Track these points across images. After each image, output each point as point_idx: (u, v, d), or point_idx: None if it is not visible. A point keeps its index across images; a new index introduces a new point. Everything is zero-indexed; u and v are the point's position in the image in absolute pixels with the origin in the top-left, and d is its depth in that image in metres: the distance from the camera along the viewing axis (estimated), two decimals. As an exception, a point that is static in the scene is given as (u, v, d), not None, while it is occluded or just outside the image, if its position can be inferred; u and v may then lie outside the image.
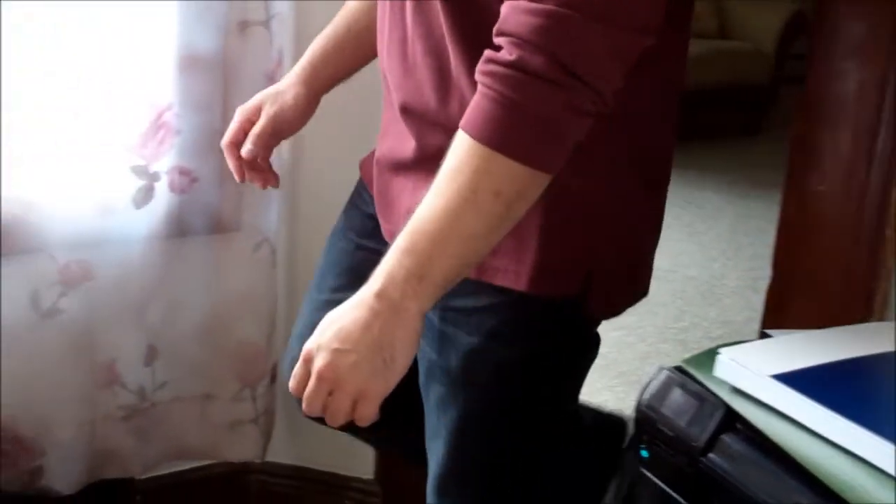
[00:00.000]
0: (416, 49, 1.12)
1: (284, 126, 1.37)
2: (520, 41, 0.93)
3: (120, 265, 1.72)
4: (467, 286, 1.07)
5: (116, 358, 1.76)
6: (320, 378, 0.98)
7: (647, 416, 1.07)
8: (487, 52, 0.95)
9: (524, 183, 0.95)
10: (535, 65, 0.92)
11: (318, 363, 0.98)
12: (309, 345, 1.00)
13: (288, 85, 1.38)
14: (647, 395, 1.08)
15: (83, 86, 1.61)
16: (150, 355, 1.79)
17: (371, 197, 1.32)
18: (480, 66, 0.96)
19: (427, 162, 1.13)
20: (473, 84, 1.01)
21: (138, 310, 1.76)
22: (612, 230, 1.15)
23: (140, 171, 1.69)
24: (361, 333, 0.96)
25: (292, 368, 1.40)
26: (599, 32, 0.92)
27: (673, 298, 3.37)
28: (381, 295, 0.97)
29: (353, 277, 1.30)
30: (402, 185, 1.20)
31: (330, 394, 0.98)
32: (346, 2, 1.40)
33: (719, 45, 5.53)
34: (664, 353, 3.00)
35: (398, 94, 1.17)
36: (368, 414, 0.99)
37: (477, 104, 0.95)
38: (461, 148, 0.95)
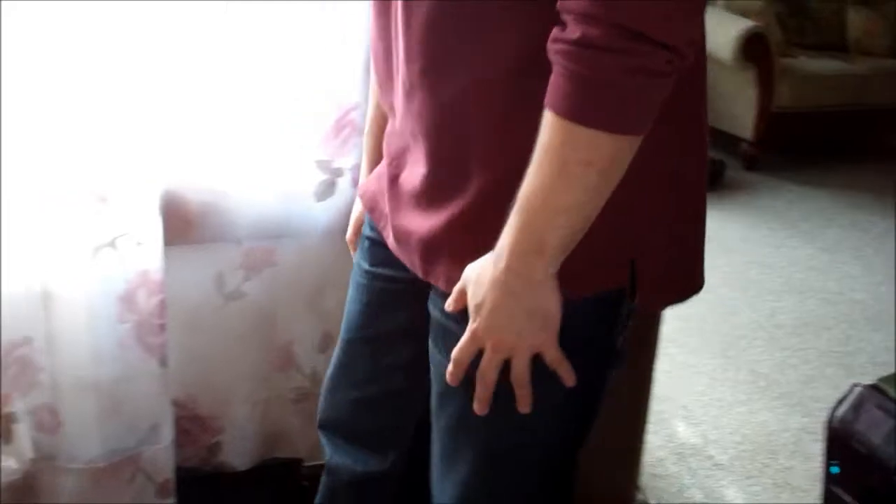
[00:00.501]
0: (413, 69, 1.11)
1: None
2: (579, 16, 0.94)
3: (300, 253, 1.78)
4: None
5: (293, 341, 1.83)
6: (496, 352, 1.06)
7: (838, 432, 1.05)
8: (554, 31, 0.97)
9: (612, 149, 0.97)
10: (597, 37, 0.93)
11: (488, 344, 1.06)
12: (472, 330, 1.07)
13: None
14: (840, 412, 1.06)
15: (276, 83, 1.67)
16: (325, 342, 1.84)
17: (373, 221, 1.31)
18: (549, 45, 0.97)
19: (435, 190, 1.14)
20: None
21: (315, 297, 1.82)
22: (650, 215, 1.12)
23: (324, 166, 1.75)
24: (512, 309, 1.03)
25: (328, 417, 1.43)
26: None
27: (838, 322, 3.25)
28: (509, 270, 1.02)
29: (374, 311, 1.34)
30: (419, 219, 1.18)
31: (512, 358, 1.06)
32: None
33: (892, 65, 5.32)
34: (828, 376, 2.91)
35: (407, 120, 1.16)
36: (554, 356, 1.06)
37: (553, 80, 0.97)
38: (548, 124, 0.97)
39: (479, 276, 1.06)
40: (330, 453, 1.44)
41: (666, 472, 2.40)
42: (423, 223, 1.15)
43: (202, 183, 1.69)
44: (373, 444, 1.31)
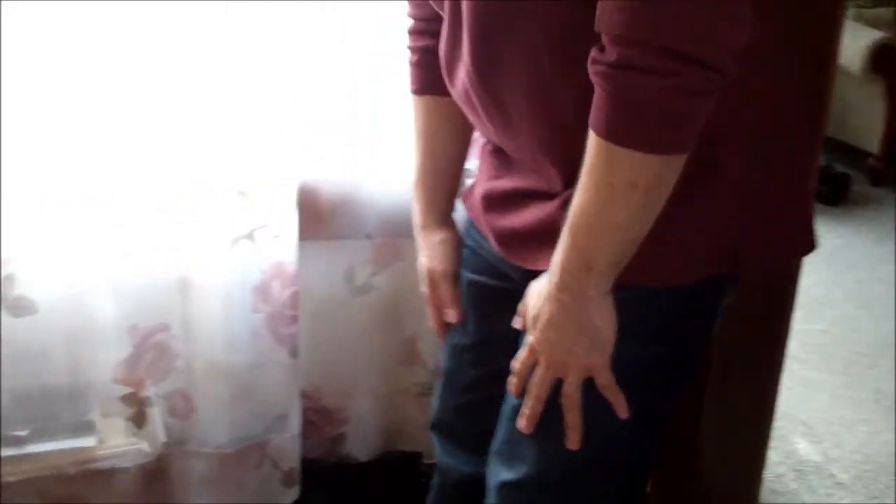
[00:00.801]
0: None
1: (457, 269, 1.40)
2: (615, 37, 0.94)
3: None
4: None
5: (417, 336, 1.86)
6: (548, 367, 1.09)
7: None
8: (593, 53, 0.97)
9: (655, 169, 0.98)
10: (633, 58, 0.93)
11: (542, 359, 1.10)
12: (529, 343, 1.11)
13: (429, 245, 1.41)
14: None
15: (397, 82, 1.69)
16: (449, 339, 1.86)
17: (476, 230, 1.32)
18: (590, 67, 0.97)
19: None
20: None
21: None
22: (746, 191, 1.10)
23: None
24: (563, 324, 1.06)
25: (438, 419, 1.47)
26: (690, 7, 0.91)
27: (957, 338, 3.15)
28: (562, 288, 1.05)
29: (476, 318, 1.37)
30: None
31: (564, 377, 1.09)
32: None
33: None
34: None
35: (519, 150, 1.17)
36: (606, 381, 1.09)
37: (595, 102, 0.98)
38: (592, 145, 0.98)
39: (539, 290, 1.09)
40: (439, 453, 1.48)
41: (785, 489, 2.35)
42: (529, 217, 1.17)
43: (337, 177, 1.72)
44: (477, 448, 1.34)
